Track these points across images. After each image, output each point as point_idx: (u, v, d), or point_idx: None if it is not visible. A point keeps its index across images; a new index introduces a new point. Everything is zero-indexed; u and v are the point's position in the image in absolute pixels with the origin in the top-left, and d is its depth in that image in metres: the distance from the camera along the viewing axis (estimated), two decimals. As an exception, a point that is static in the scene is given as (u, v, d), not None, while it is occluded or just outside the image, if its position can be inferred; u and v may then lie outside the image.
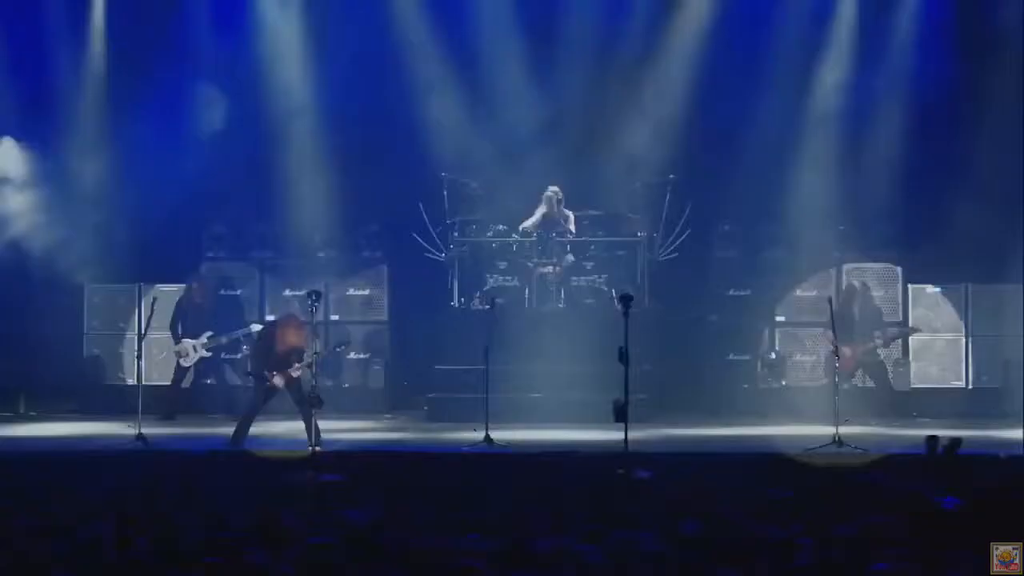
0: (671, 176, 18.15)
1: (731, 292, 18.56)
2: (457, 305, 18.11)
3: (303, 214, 18.89)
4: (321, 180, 18.91)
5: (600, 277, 18.14)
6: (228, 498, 10.17)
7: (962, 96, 18.57)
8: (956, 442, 10.79)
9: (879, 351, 17.91)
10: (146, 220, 18.68)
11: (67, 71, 19.33)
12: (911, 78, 18.67)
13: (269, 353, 14.81)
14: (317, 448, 13.86)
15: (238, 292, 18.79)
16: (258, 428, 15.05)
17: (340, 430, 15.63)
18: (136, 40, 19.14)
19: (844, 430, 14.40)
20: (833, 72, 18.81)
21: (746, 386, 18.25)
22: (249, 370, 15.32)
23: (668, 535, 8.02)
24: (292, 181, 18.95)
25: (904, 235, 18.45)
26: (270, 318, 17.37)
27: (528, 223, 18.22)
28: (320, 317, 17.03)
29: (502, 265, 18.30)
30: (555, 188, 18.17)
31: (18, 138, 18.99)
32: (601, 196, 18.59)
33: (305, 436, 14.32)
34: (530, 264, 18.12)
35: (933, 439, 10.97)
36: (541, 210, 18.19)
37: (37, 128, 19.06)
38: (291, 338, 14.72)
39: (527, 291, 18.08)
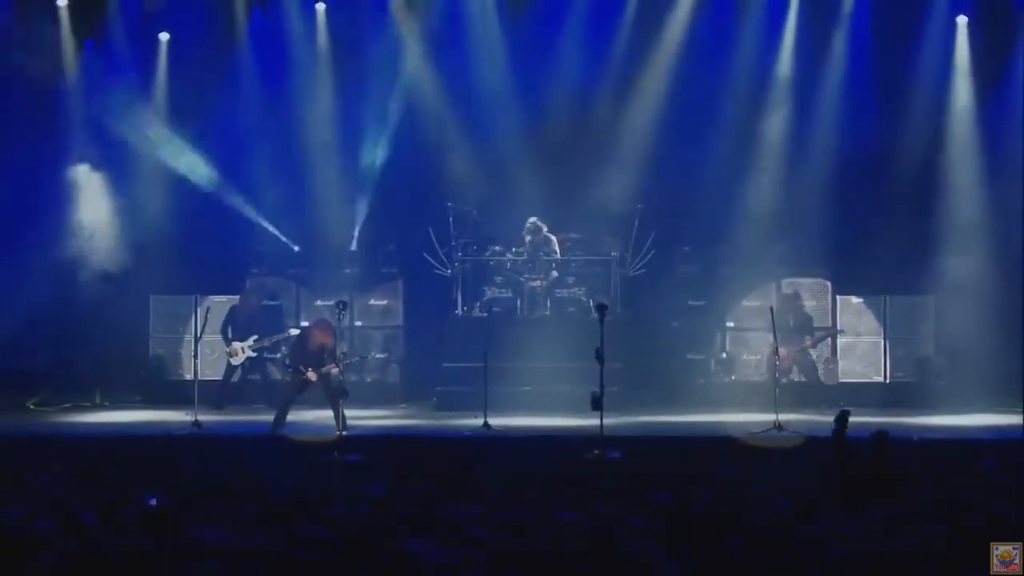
0: (639, 205, 18.16)
1: (690, 302, 18.49)
2: (460, 313, 18.05)
3: (331, 236, 18.88)
4: (346, 207, 18.93)
5: (580, 289, 18.09)
6: (269, 473, 10.16)
7: (883, 138, 18.57)
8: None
9: (810, 351, 17.91)
10: (201, 241, 18.63)
11: (135, 110, 19.09)
12: (838, 124, 18.65)
13: (304, 350, 14.96)
14: (343, 433, 13.85)
15: (278, 302, 18.70)
16: (294, 416, 15.05)
17: (362, 418, 15.60)
18: (193, 84, 18.98)
19: (783, 417, 14.47)
20: (773, 119, 18.81)
21: (702, 380, 18.18)
22: (288, 364, 15.37)
23: (637, 504, 8.03)
24: (322, 208, 18.92)
25: (833, 255, 18.39)
26: (305, 323, 17.38)
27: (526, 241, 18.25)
28: (346, 323, 17.05)
29: (498, 279, 18.26)
30: (533, 219, 18.17)
31: (95, 166, 18.85)
32: (581, 222, 18.56)
33: (333, 422, 14.32)
34: (521, 279, 18.08)
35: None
36: (527, 238, 18.20)
37: (111, 161, 18.90)
38: (321, 338, 14.83)
39: (519, 301, 18.02)
